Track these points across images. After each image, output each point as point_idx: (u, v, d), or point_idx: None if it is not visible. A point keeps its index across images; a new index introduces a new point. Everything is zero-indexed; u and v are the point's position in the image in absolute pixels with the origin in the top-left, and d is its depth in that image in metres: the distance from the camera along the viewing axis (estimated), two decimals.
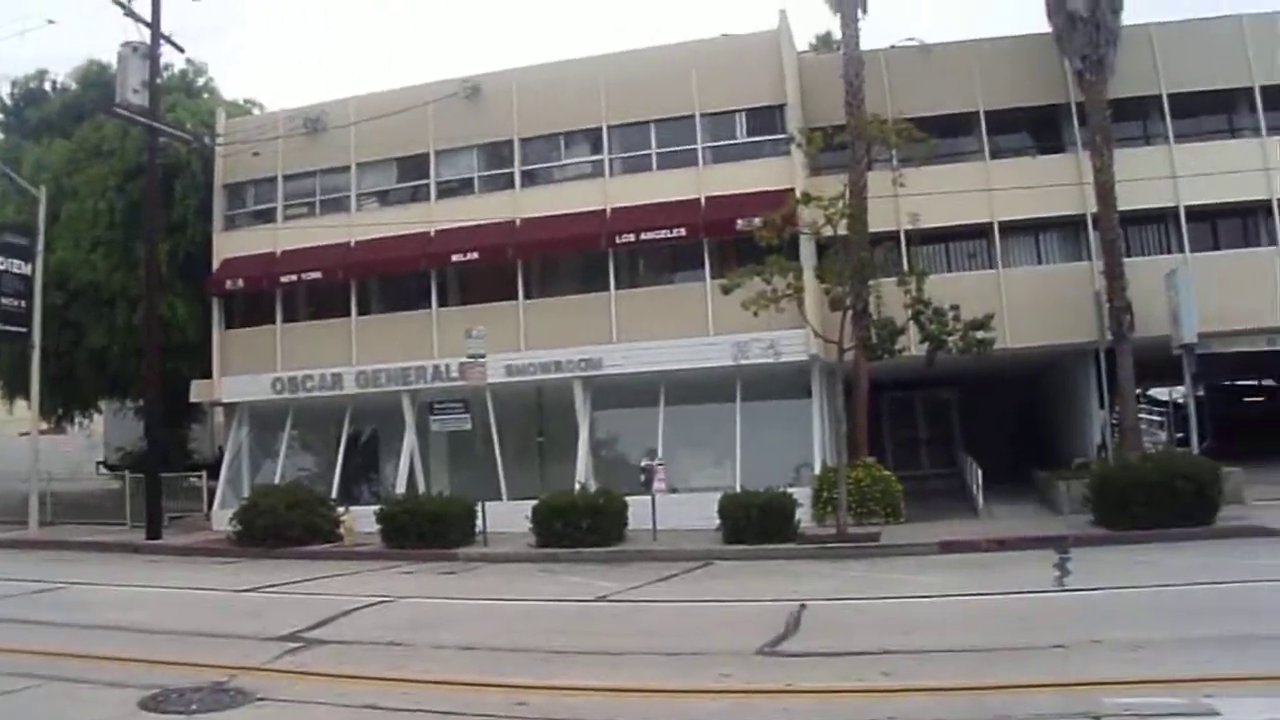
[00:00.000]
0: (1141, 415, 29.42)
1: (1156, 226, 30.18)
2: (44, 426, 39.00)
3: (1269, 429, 37.35)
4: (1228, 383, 44.55)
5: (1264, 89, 29.47)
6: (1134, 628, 12.33)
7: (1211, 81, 29.81)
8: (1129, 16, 28.94)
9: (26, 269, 32.35)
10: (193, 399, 35.18)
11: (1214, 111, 30.52)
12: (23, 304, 32.16)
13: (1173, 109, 29.79)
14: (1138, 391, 28.67)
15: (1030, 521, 25.45)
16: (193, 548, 28.29)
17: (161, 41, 31.50)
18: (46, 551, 28.61)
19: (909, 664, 11.25)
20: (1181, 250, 29.22)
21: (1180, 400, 32.40)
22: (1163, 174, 29.11)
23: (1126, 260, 27.81)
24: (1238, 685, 9.54)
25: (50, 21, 34.40)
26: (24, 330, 32.27)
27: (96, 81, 37.42)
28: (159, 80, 31.95)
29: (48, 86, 39.73)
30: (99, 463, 48.33)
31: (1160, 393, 36.65)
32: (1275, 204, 29.10)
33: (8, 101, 39.41)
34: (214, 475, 34.29)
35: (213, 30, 40.77)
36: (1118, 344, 27.27)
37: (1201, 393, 28.63)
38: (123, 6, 30.49)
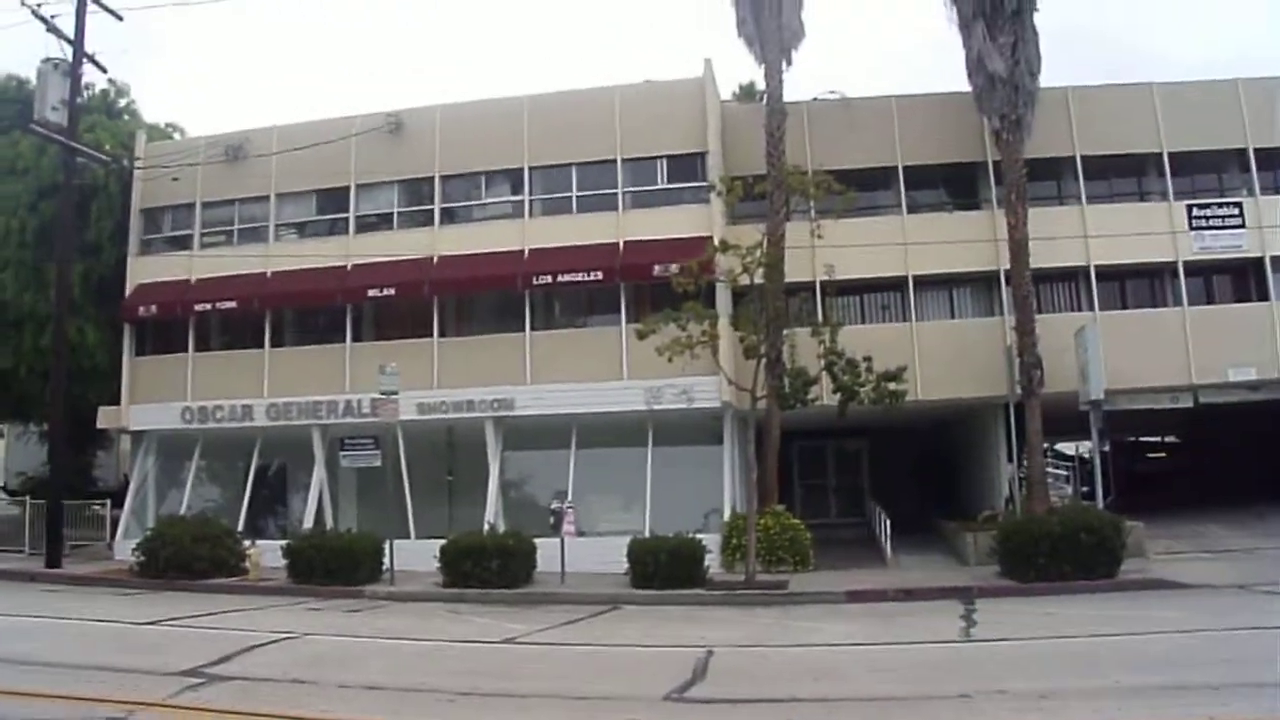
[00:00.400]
0: (1048, 469, 29.68)
1: (1067, 284, 30.82)
2: None
3: (1171, 484, 38.10)
4: (1132, 439, 45.33)
5: (1172, 155, 30.36)
6: (1039, 678, 12.51)
7: (1124, 145, 30.64)
8: (1047, 79, 29.45)
9: None
10: (100, 425, 34.50)
11: (1125, 174, 31.38)
12: None
13: (1086, 170, 30.52)
14: (1045, 445, 28.99)
15: (937, 572, 25.70)
16: (93, 577, 27.74)
17: (84, 60, 31.05)
18: None
19: (817, 712, 11.35)
20: (1091, 308, 29.82)
21: (1086, 455, 32.82)
22: (1075, 233, 29.68)
23: (1038, 316, 28.20)
24: None
25: None
26: None
27: (15, 97, 36.75)
28: (79, 99, 31.52)
29: None
30: None
31: (1067, 447, 37.08)
32: (1180, 266, 29.83)
33: None
34: (118, 504, 33.64)
35: (137, 51, 40.30)
36: (1027, 398, 27.60)
37: (1107, 448, 28.94)
38: (45, 22, 30.05)
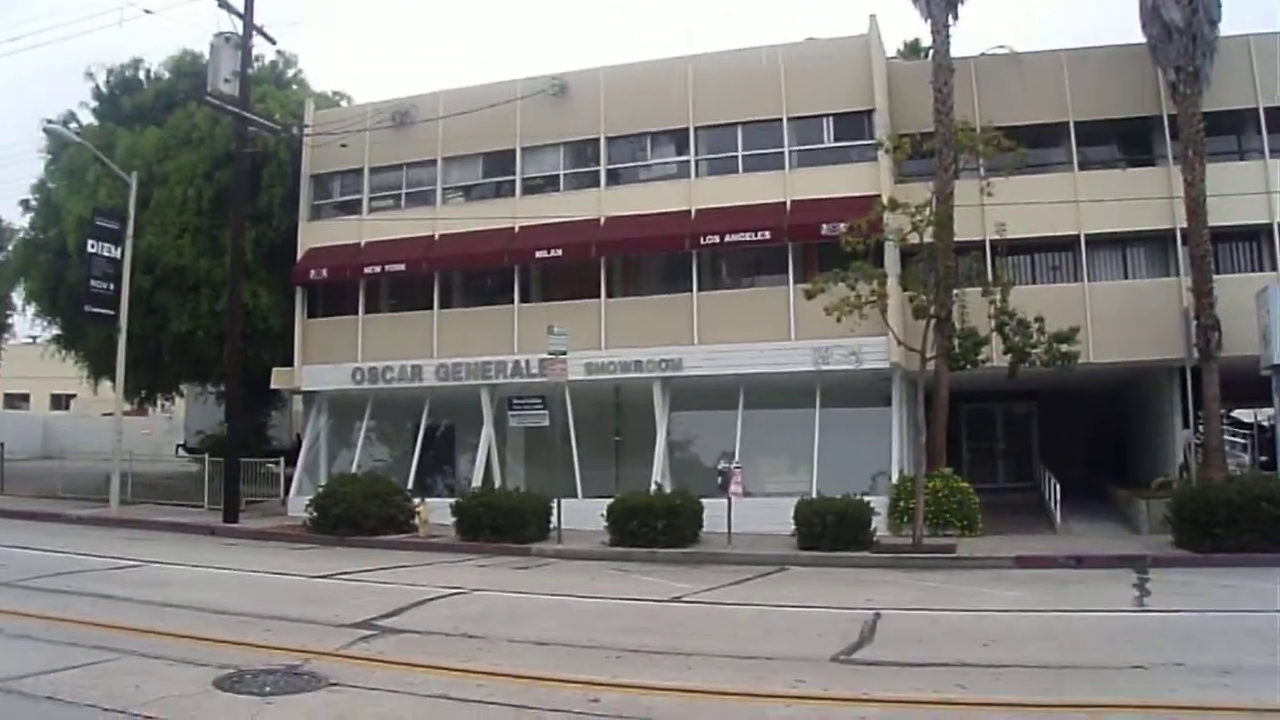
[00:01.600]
0: (1225, 436, 28.80)
1: (1248, 243, 29.57)
2: (127, 408, 39.67)
3: None
4: None
5: None
6: (1218, 652, 12.15)
7: None
8: (1226, 27, 28.42)
9: (116, 253, 32.96)
10: (273, 386, 35.63)
11: None
12: (111, 287, 32.76)
13: (1269, 123, 29.09)
14: (1222, 412, 28.12)
15: (1109, 539, 25.12)
16: (268, 532, 28.62)
17: (253, 33, 31.92)
18: (126, 530, 29.09)
19: (985, 678, 11.16)
20: (1274, 268, 28.49)
21: (1266, 423, 31.77)
22: (1256, 189, 28.44)
23: (1216, 277, 27.27)
24: None
25: (147, 11, 34.86)
26: (112, 313, 32.86)
27: (189, 71, 37.92)
28: (250, 71, 32.34)
29: (142, 75, 40.17)
30: (179, 445, 49.12)
31: (1245, 414, 35.93)
32: None
33: (103, 89, 39.86)
34: (291, 462, 34.65)
35: (304, 22, 41.16)
36: (1204, 362, 26.82)
37: None
38: None
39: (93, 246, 32.49)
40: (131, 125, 37.64)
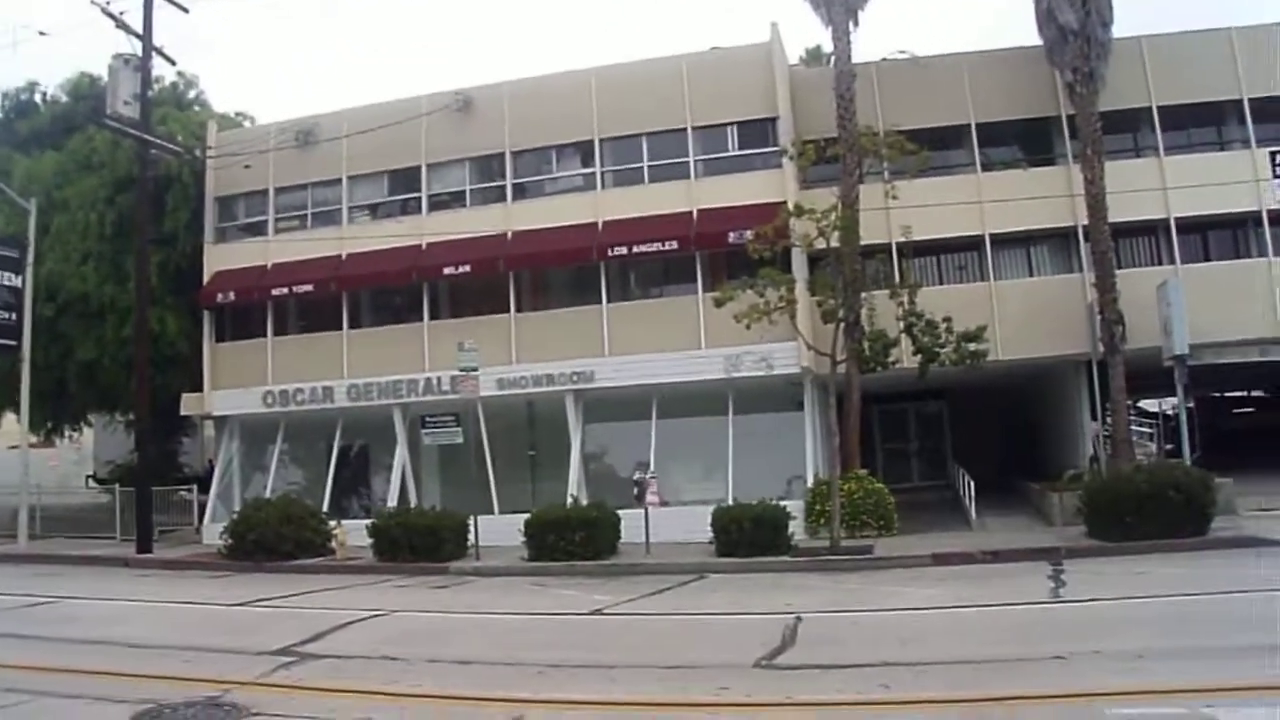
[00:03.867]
0: (1133, 427, 29.32)
1: (1147, 238, 30.23)
2: (33, 440, 38.88)
3: (1259, 440, 37.43)
4: (1217, 394, 44.68)
5: (1253, 101, 29.53)
6: (1133, 638, 12.32)
7: (1201, 94, 29.95)
8: (1119, 29, 29.04)
9: (17, 281, 32.28)
10: (183, 412, 35.12)
11: (1204, 124, 30.62)
12: (13, 316, 32.10)
13: (1163, 121, 29.88)
14: (1129, 403, 28.59)
15: (1023, 533, 25.37)
16: (183, 562, 28.18)
17: (153, 54, 31.52)
18: (36, 565, 28.47)
19: (907, 676, 11.25)
20: (1173, 262, 29.27)
21: (1170, 412, 32.41)
22: (1153, 186, 29.10)
23: (1118, 272, 27.84)
24: (1238, 695, 9.57)
25: (42, 33, 34.21)
26: (13, 343, 32.19)
27: (87, 94, 37.32)
28: (150, 92, 31.94)
29: (38, 98, 39.66)
30: (89, 476, 48.21)
31: (1150, 404, 36.65)
32: (1265, 215, 28.98)
33: None
34: (204, 489, 34.21)
35: (204, 43, 40.76)
36: (1109, 355, 27.28)
37: (1192, 404, 28.58)
38: (114, 18, 30.49)
39: None
40: (29, 150, 37.13)
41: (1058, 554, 21.25)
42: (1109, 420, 28.20)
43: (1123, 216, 28.22)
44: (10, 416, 39.79)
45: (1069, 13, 28.21)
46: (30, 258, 32.58)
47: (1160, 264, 29.62)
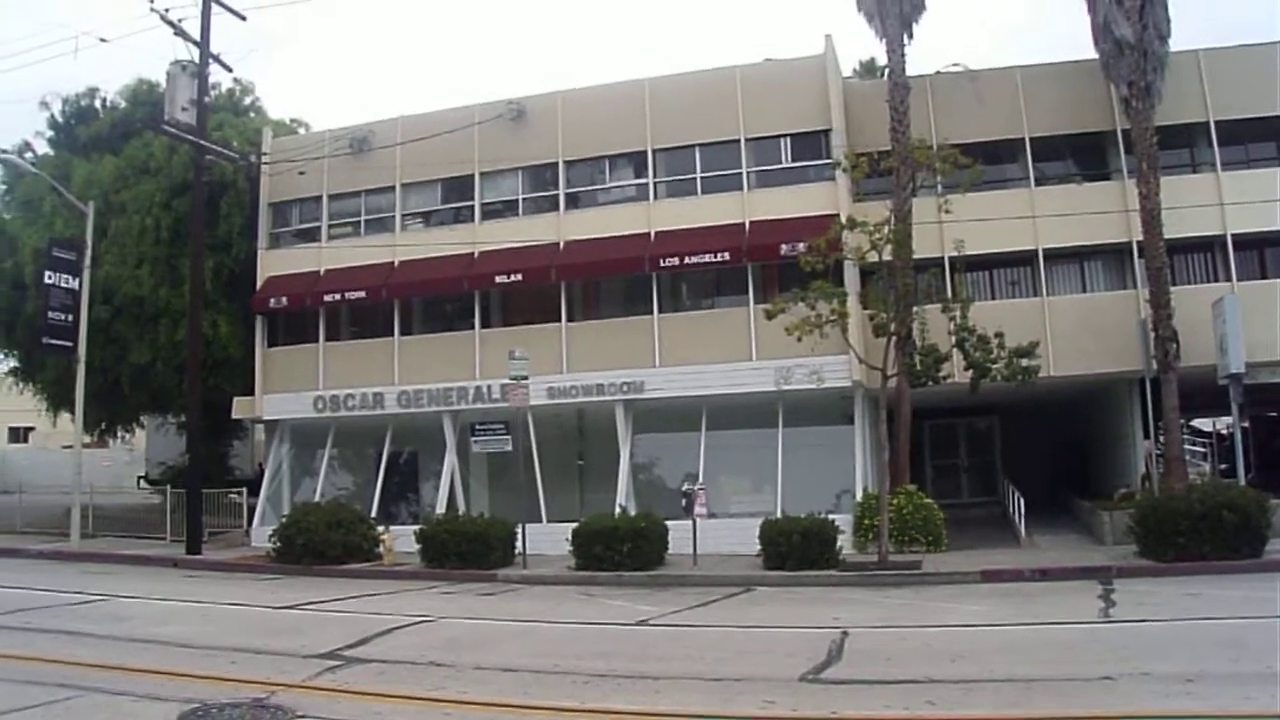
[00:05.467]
0: (1186, 446, 29.03)
1: (1203, 255, 29.88)
2: (87, 440, 39.39)
3: None
4: (1274, 413, 44.05)
5: None
6: (1183, 661, 12.19)
7: (1259, 108, 29.41)
8: (1176, 43, 28.70)
9: (74, 284, 32.63)
10: (234, 416, 35.49)
11: (1262, 138, 30.07)
12: (69, 318, 32.44)
13: (1220, 136, 29.49)
14: (1182, 421, 28.30)
15: (1073, 551, 25.18)
16: (232, 564, 28.42)
17: (210, 60, 31.95)
18: (87, 564, 28.82)
19: (954, 693, 11.18)
20: (1229, 279, 28.85)
21: (1225, 431, 31.99)
22: (1210, 201, 28.79)
23: (1173, 288, 27.52)
24: None
25: (103, 40, 35.03)
26: (70, 344, 32.55)
27: (145, 100, 37.82)
28: (207, 99, 32.31)
29: (98, 104, 40.10)
30: (140, 477, 48.74)
31: (1204, 423, 36.17)
32: None
33: (59, 119, 39.82)
34: (254, 492, 34.55)
35: (261, 50, 41.15)
36: (1163, 373, 27.01)
37: (1247, 423, 28.21)
38: (173, 26, 30.91)
39: (50, 278, 32.17)
40: (88, 155, 37.57)
41: (1108, 573, 21.04)
42: (1162, 439, 27.85)
43: (1178, 232, 27.85)
44: (65, 416, 40.19)
45: (1125, 26, 27.95)
46: (87, 260, 32.93)
47: (1216, 281, 29.23)
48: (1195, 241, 29.24)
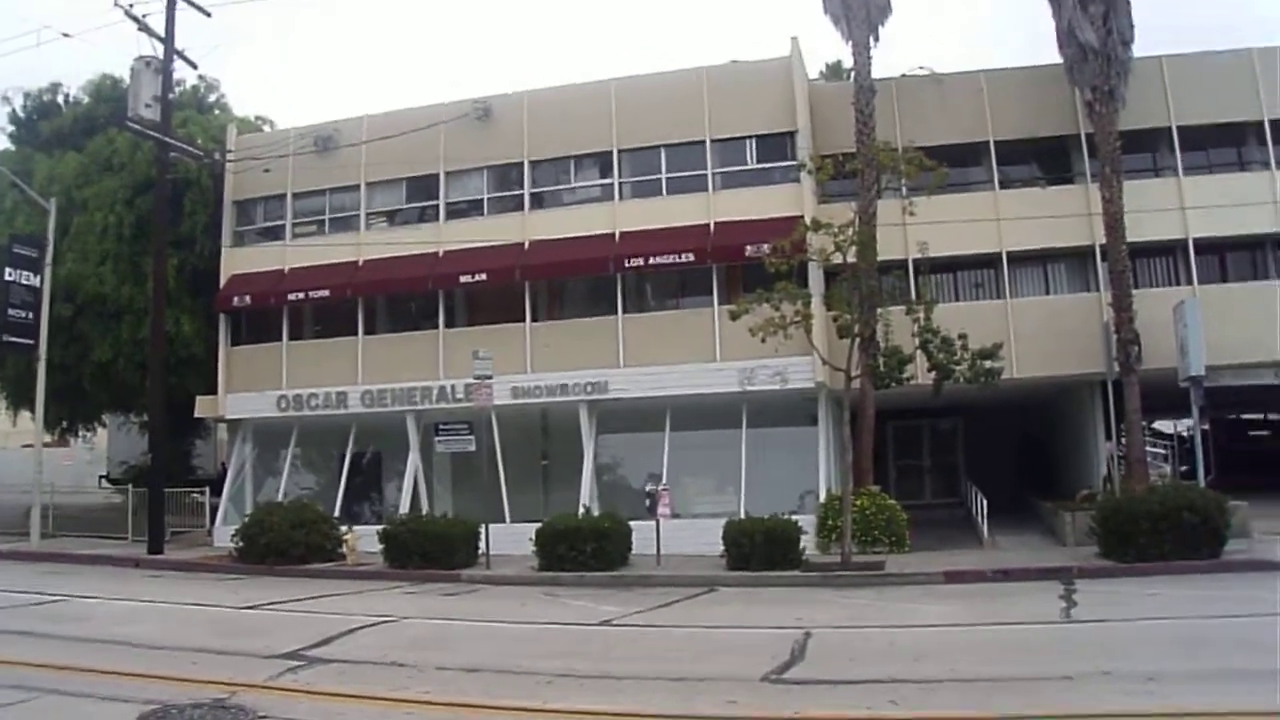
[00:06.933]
0: (1147, 447, 29.20)
1: (1165, 258, 30.11)
2: (48, 439, 39.06)
3: (1275, 462, 37.22)
4: (1233, 416, 44.47)
5: (1273, 122, 29.41)
6: (1144, 660, 12.24)
7: (1221, 114, 29.81)
8: (1139, 48, 28.95)
9: (35, 280, 32.33)
10: (197, 414, 35.24)
11: (1223, 144, 30.46)
12: (30, 315, 32.13)
13: (1182, 141, 29.82)
14: (1143, 423, 28.48)
15: (1035, 552, 25.33)
16: (194, 563, 28.25)
17: (174, 57, 31.68)
18: (47, 564, 28.55)
19: (917, 693, 11.18)
20: (1190, 282, 29.12)
21: (1185, 433, 32.26)
22: (1172, 206, 29.14)
23: (1135, 291, 27.74)
24: None
25: (66, 35, 34.39)
26: (31, 342, 32.23)
27: (109, 96, 37.59)
28: (171, 95, 32.12)
29: (60, 99, 39.86)
30: (102, 476, 48.40)
31: (1165, 425, 36.50)
32: None
33: (20, 113, 39.53)
34: (217, 491, 34.33)
35: (225, 46, 40.96)
36: (1125, 375, 27.21)
37: (1207, 425, 28.44)
38: (137, 21, 30.68)
39: (11, 274, 31.84)
40: (50, 151, 37.33)
41: (1070, 574, 21.09)
42: (1123, 440, 28.11)
43: (1141, 236, 28.16)
44: (25, 415, 39.91)
45: (1089, 31, 28.16)
46: (49, 257, 32.65)
47: (1178, 284, 29.46)
48: (1157, 245, 29.51)
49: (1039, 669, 12.21)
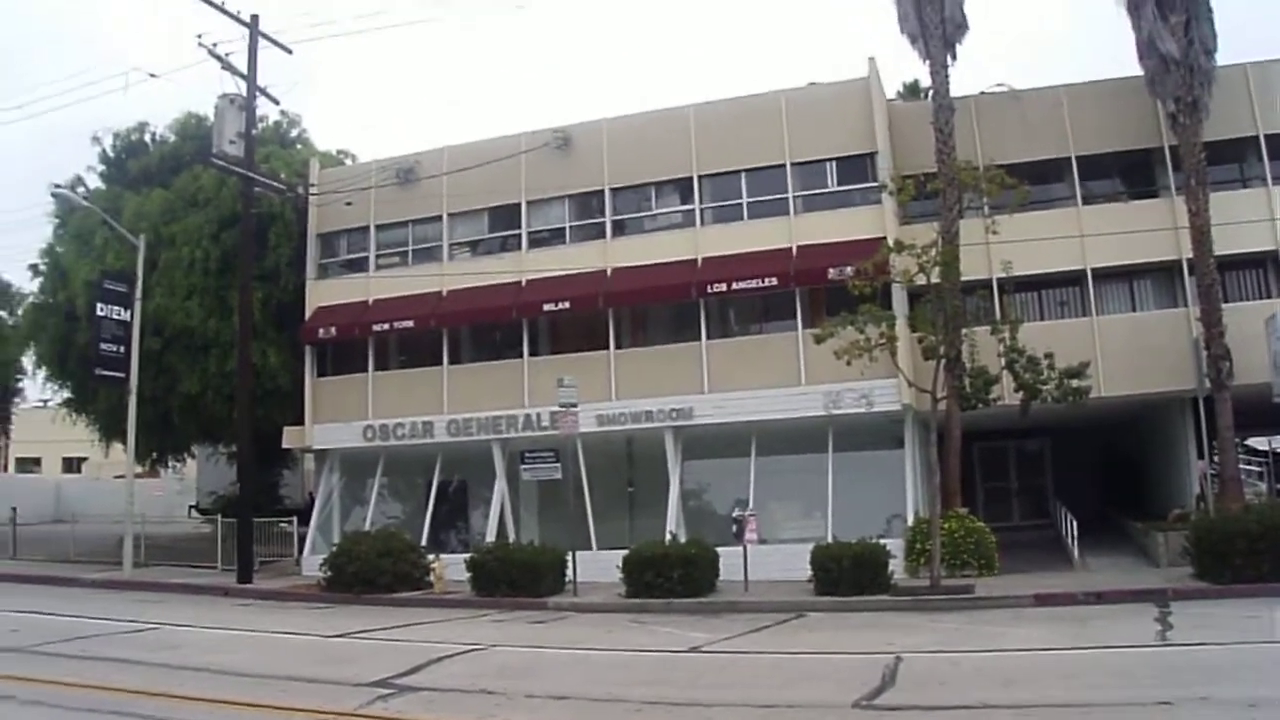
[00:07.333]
0: (1241, 465, 28.71)
1: (1255, 271, 29.58)
2: (139, 470, 39.70)
3: None
4: None
5: None
6: (1245, 685, 12.09)
7: None
8: (1223, 57, 28.56)
9: (125, 315, 33.10)
10: (284, 445, 35.66)
11: None
12: (121, 349, 32.87)
13: (1270, 150, 29.27)
14: (1236, 440, 28.01)
15: (1127, 574, 24.94)
16: (283, 592, 28.58)
17: (257, 93, 32.24)
18: (140, 593, 29.03)
19: (1009, 718, 11.13)
20: None
21: None
22: (1260, 216, 28.55)
23: (1224, 305, 27.32)
24: None
25: (152, 75, 35.24)
26: (122, 375, 32.95)
27: (194, 133, 38.28)
28: (254, 131, 32.64)
29: (147, 138, 40.58)
30: (191, 506, 49.18)
31: (1259, 442, 35.83)
32: None
33: (109, 153, 40.33)
34: (304, 521, 34.70)
35: (306, 82, 41.44)
36: (1216, 392, 26.77)
37: None
38: (220, 60, 31.30)
39: (102, 309, 32.66)
40: (138, 188, 37.98)
41: (1164, 595, 20.83)
42: (1216, 458, 27.59)
43: (1229, 249, 27.66)
44: (117, 446, 40.54)
45: (1170, 42, 27.79)
46: (139, 292, 33.37)
47: (1269, 297, 28.92)
48: (1246, 258, 29.00)
49: (1135, 694, 12.05)
